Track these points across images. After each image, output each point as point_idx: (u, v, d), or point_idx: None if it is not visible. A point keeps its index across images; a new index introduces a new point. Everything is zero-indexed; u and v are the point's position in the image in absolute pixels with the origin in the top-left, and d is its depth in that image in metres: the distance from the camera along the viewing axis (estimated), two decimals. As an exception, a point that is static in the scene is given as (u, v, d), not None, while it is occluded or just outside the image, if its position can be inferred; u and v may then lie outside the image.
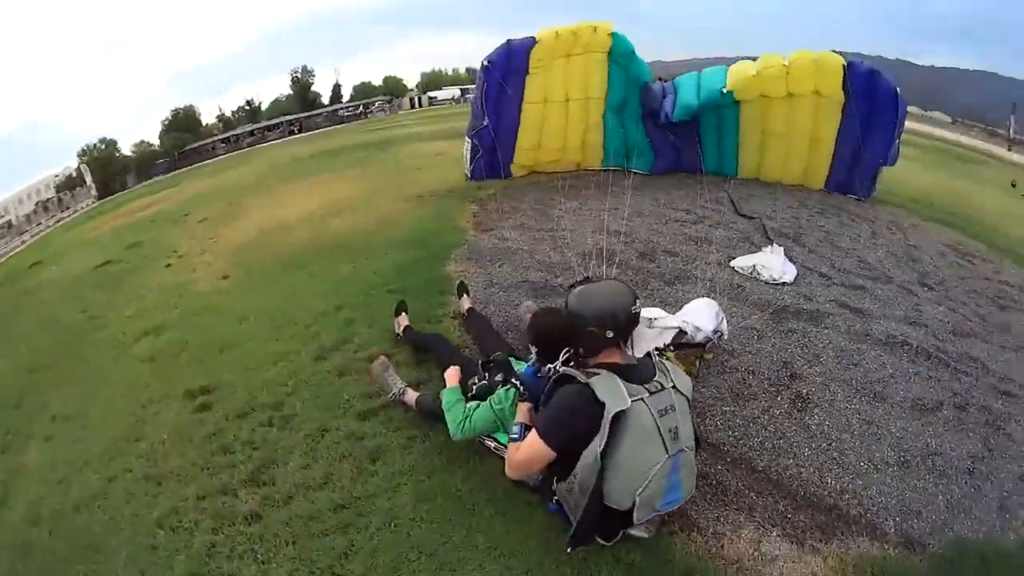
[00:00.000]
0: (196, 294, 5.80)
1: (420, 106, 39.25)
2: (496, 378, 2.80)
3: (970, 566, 2.49)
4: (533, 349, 2.60)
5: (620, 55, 8.04)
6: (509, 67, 7.32)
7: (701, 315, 3.59)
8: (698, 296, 4.32)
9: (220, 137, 37.11)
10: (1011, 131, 37.50)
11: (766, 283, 5.10)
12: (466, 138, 7.75)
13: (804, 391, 3.57)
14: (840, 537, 2.55)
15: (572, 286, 2.36)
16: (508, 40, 7.43)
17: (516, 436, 2.30)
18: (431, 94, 41.54)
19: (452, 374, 2.91)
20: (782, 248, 5.71)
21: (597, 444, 2.07)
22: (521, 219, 6.52)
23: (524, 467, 2.23)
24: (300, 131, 33.69)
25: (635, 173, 8.27)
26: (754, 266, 5.24)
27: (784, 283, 5.10)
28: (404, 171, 10.14)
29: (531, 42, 7.37)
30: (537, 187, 8.00)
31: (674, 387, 2.23)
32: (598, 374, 2.14)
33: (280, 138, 32.80)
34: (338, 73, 53.53)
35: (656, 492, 2.12)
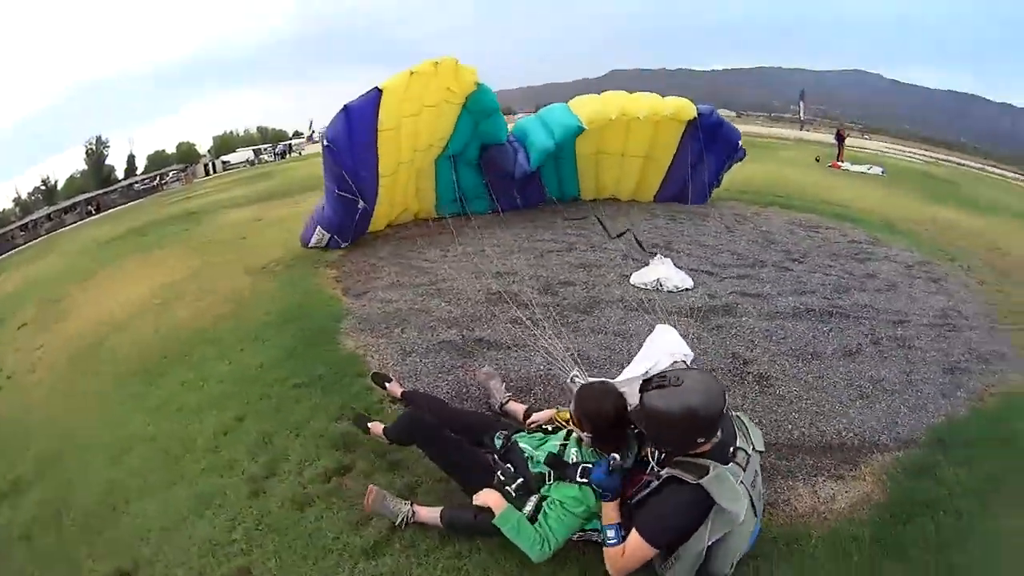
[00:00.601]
0: (46, 429, 4.81)
1: (215, 172, 39.68)
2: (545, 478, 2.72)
3: (948, 438, 3.94)
4: (585, 434, 2.67)
5: (480, 110, 8.10)
6: (353, 142, 6.70)
7: (675, 343, 3.70)
8: (622, 318, 5.23)
9: (18, 224, 36.09)
10: (801, 114, 49.92)
11: (669, 292, 5.93)
12: (318, 226, 7.57)
13: (760, 371, 4.52)
14: (862, 460, 3.64)
15: (667, 380, 2.34)
16: (345, 106, 6.62)
17: (614, 540, 2.42)
18: (224, 158, 42.78)
19: (492, 498, 2.72)
20: (668, 258, 6.57)
21: (706, 539, 2.29)
22: (390, 277, 6.52)
23: (630, 570, 2.41)
24: (98, 210, 33.30)
25: (476, 216, 8.76)
26: (657, 279, 6.00)
27: (686, 289, 6.01)
28: (230, 242, 9.81)
29: (375, 97, 6.60)
30: (385, 241, 8.05)
31: (754, 448, 2.53)
32: (699, 466, 2.29)
33: (79, 220, 32.10)
34: (132, 143, 53.79)
35: (745, 546, 2.46)
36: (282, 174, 21.47)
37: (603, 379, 3.05)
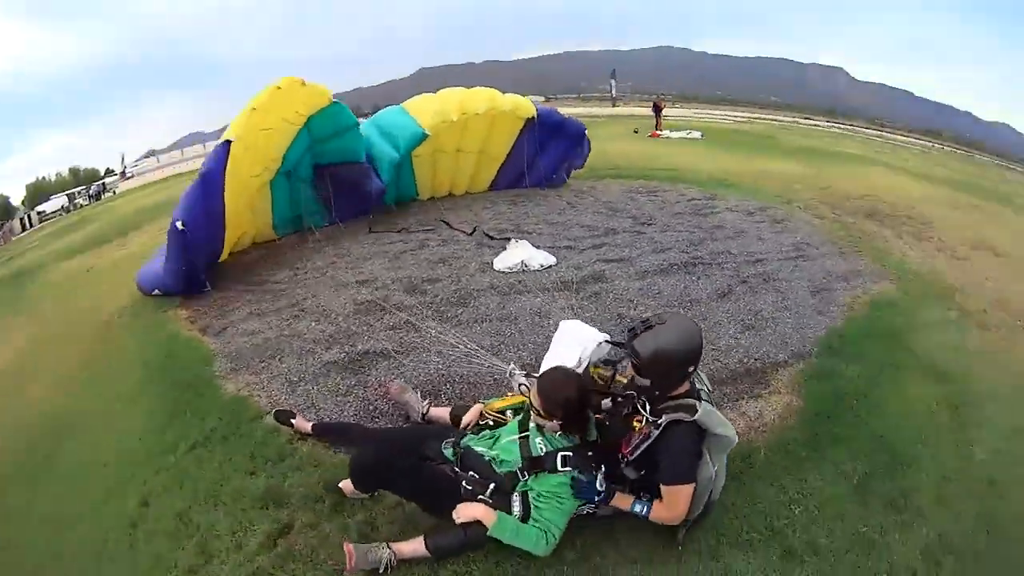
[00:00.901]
0: None
1: (32, 225, 36.31)
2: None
3: (836, 344, 5.06)
4: (554, 421, 2.78)
5: (334, 127, 7.96)
6: (208, 216, 6.39)
7: (584, 332, 4.02)
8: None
9: None
10: (613, 91, 54.46)
11: (536, 271, 6.29)
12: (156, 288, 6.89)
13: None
14: (771, 378, 4.49)
15: (638, 330, 2.66)
16: (201, 176, 6.26)
17: (646, 509, 2.74)
18: (39, 209, 40.09)
19: (478, 510, 2.74)
20: (523, 240, 7.00)
21: (712, 465, 2.70)
22: (246, 307, 6.22)
23: (684, 510, 2.71)
24: None
25: (316, 230, 8.60)
26: (521, 261, 6.30)
27: (551, 265, 6.41)
28: (67, 299, 8.91)
29: (224, 153, 6.27)
30: (230, 270, 7.68)
31: (707, 388, 2.94)
32: (686, 407, 2.65)
33: None
34: (-58, 203, 46.49)
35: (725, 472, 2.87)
36: (102, 216, 19.47)
37: (558, 366, 3.03)
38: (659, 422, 2.63)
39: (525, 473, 2.75)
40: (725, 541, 3.00)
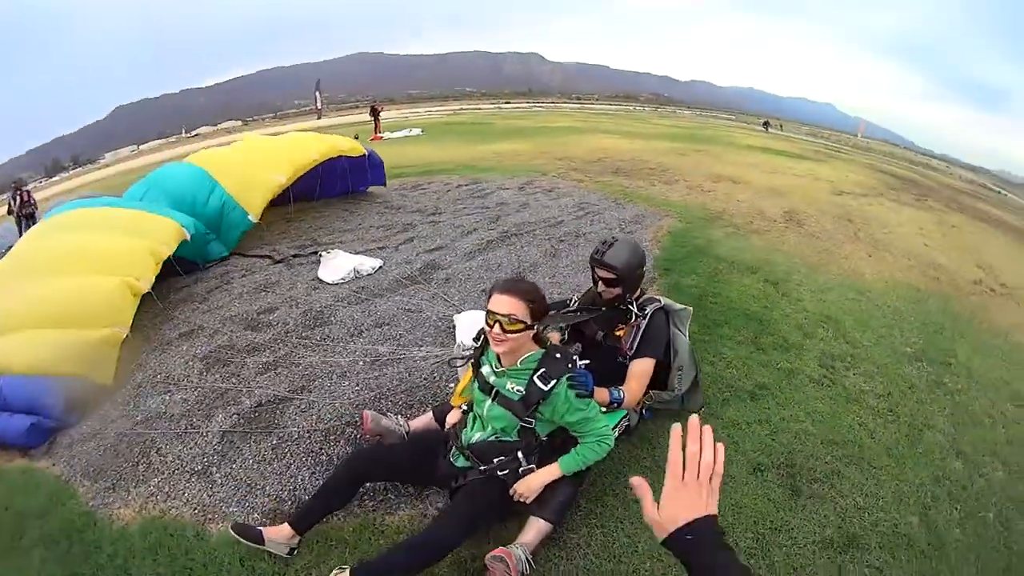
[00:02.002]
0: None
1: None
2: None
3: (667, 263, 6.51)
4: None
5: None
6: None
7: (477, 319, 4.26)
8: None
9: None
10: (318, 104, 53.02)
11: (371, 275, 6.19)
12: None
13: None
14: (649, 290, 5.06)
15: (603, 250, 3.20)
16: None
17: (620, 396, 3.08)
18: None
19: (539, 478, 2.63)
20: (335, 249, 6.91)
21: (686, 339, 3.38)
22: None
23: (644, 388, 3.23)
24: None
25: None
26: (353, 268, 6.17)
27: (380, 267, 6.39)
28: None
29: None
30: None
31: None
32: (651, 298, 3.37)
33: None
34: None
35: None
36: None
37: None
38: (645, 312, 3.25)
39: (530, 420, 2.57)
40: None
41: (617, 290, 3.22)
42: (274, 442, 3.54)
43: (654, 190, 10.86)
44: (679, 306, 3.42)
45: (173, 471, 3.41)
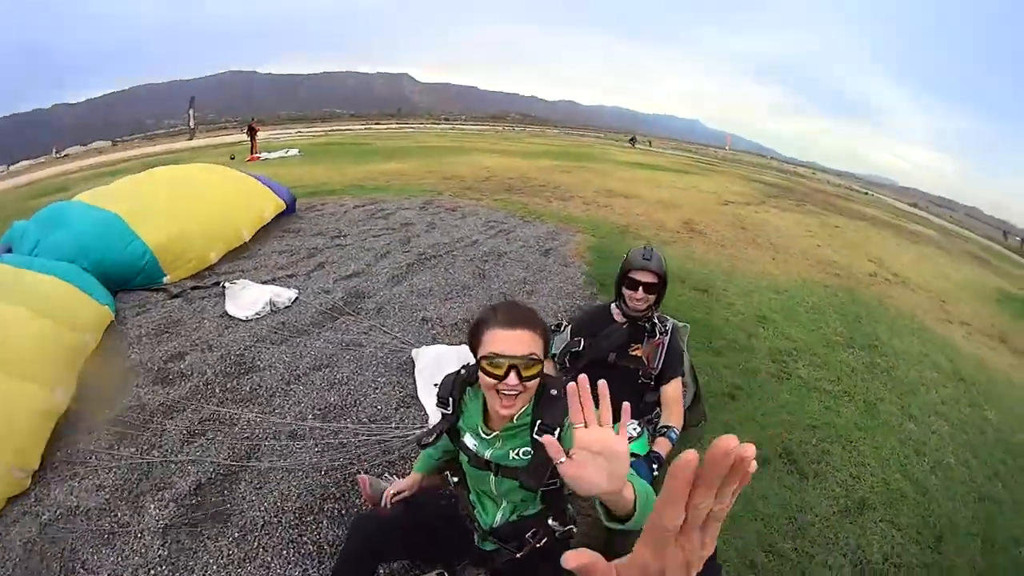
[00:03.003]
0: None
1: None
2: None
3: (602, 276, 6.65)
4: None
5: None
6: None
7: (442, 354, 4.32)
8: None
9: None
10: (191, 122, 50.32)
11: (288, 308, 5.78)
12: None
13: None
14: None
15: (647, 255, 3.13)
16: None
17: (675, 436, 2.89)
18: None
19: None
20: (242, 279, 6.33)
21: (687, 354, 3.36)
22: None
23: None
24: None
25: None
26: (269, 300, 5.71)
27: (297, 297, 5.97)
28: None
29: None
30: None
31: None
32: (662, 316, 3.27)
33: None
34: None
35: None
36: None
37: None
38: (666, 327, 3.19)
39: (554, 481, 1.96)
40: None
41: (653, 297, 3.14)
42: (236, 534, 2.89)
43: (553, 207, 11.36)
44: (682, 324, 3.46)
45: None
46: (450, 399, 2.07)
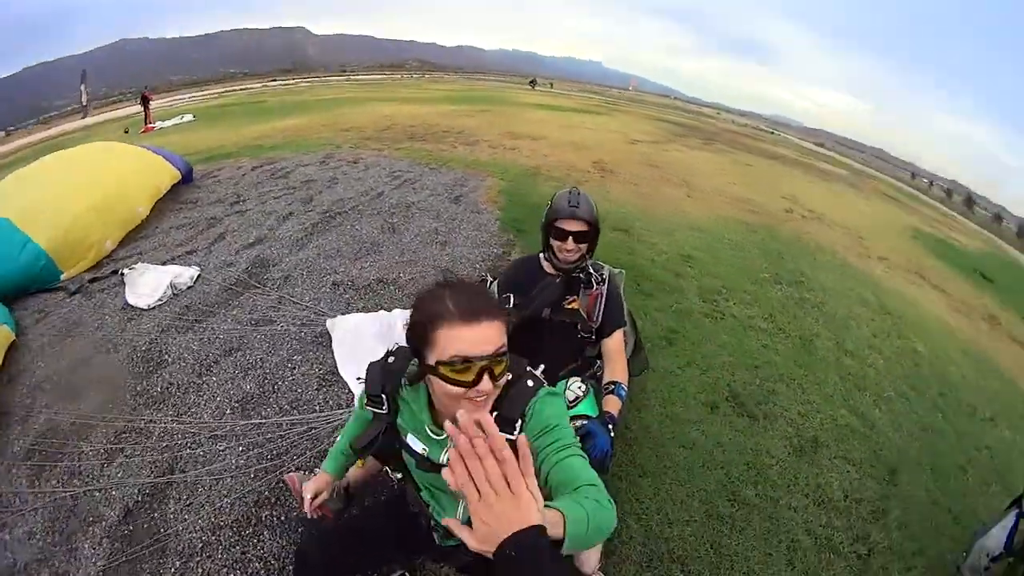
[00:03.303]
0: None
1: None
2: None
3: (516, 223, 6.51)
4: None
5: None
6: None
7: (361, 322, 4.18)
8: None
9: None
10: (84, 99, 46.43)
11: (191, 288, 5.31)
12: None
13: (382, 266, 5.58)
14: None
15: (572, 201, 2.79)
16: None
17: (624, 392, 2.66)
18: None
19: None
20: (139, 264, 5.64)
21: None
22: None
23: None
24: None
25: None
26: (169, 284, 5.21)
27: (200, 275, 5.49)
28: None
29: None
30: None
31: None
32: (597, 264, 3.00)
33: None
34: None
35: None
36: None
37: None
38: (603, 276, 2.92)
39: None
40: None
41: (584, 247, 2.81)
42: (177, 563, 2.63)
43: (458, 152, 11.12)
44: (615, 269, 3.10)
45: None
46: (382, 397, 1.77)
